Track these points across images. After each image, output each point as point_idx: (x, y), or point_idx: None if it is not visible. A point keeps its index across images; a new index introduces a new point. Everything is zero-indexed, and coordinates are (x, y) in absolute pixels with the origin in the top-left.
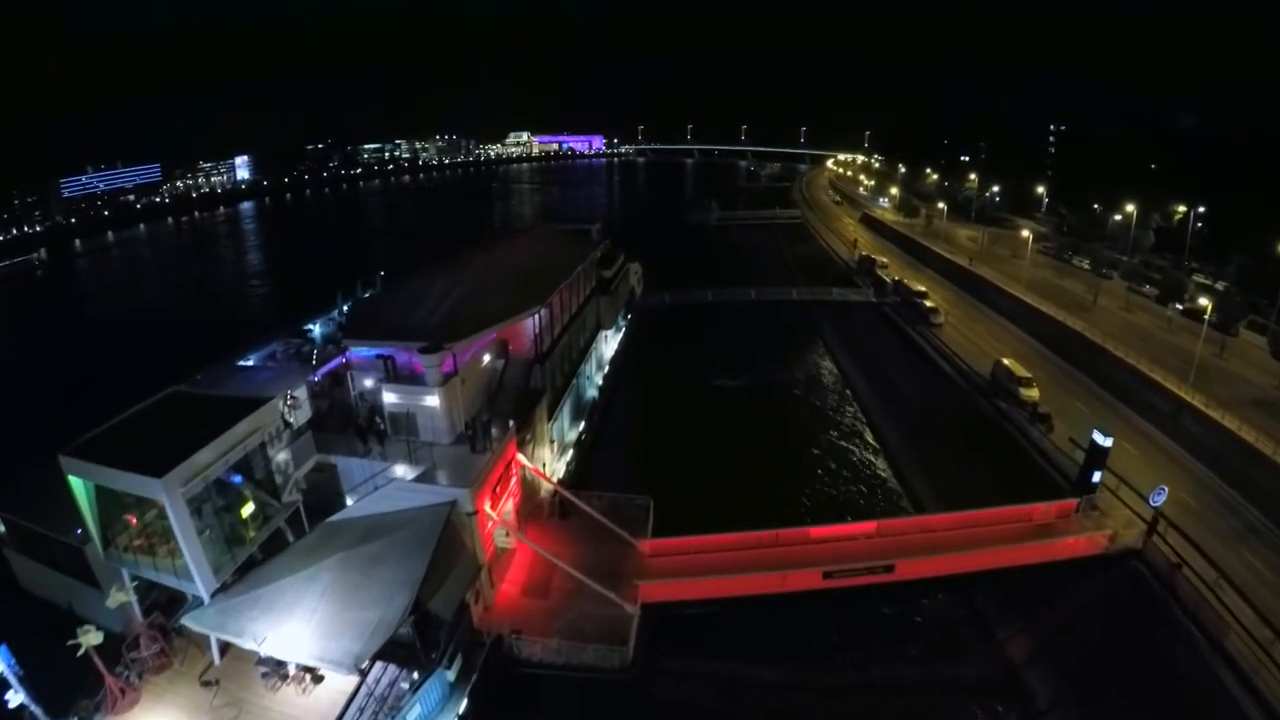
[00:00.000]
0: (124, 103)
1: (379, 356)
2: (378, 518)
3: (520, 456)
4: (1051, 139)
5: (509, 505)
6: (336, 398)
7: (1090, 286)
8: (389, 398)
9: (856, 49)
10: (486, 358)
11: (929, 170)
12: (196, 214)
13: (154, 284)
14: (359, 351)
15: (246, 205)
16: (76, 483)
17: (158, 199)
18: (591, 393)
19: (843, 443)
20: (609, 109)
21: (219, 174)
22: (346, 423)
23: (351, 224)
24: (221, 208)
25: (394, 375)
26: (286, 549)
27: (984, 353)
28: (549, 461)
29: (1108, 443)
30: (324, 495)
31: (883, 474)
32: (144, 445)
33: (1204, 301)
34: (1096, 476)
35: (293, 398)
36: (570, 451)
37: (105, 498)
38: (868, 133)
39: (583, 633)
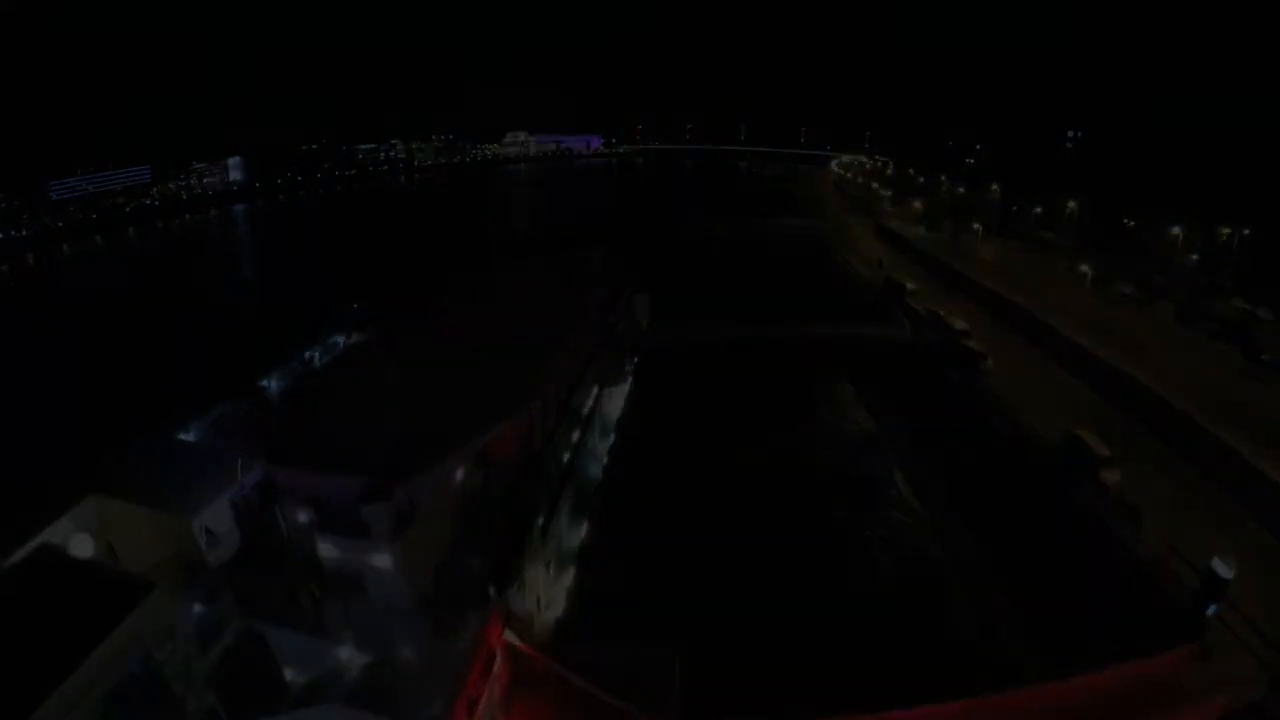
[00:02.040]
0: (117, 102)
1: (308, 499)
2: None
3: (507, 634)
4: (1069, 143)
5: (495, 690)
6: (269, 521)
7: (1140, 318)
8: (326, 551)
9: (857, 48)
10: (460, 474)
11: (943, 178)
12: (187, 216)
13: (135, 293)
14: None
15: (239, 207)
16: None
17: (148, 201)
18: (594, 470)
19: (893, 536)
20: (608, 109)
21: (211, 175)
22: (277, 562)
23: (343, 227)
24: (213, 210)
25: (330, 522)
26: None
27: (1039, 408)
28: (544, 589)
29: (1229, 574)
30: (251, 664)
31: (948, 583)
32: None
33: None
34: (1210, 609)
35: (209, 533)
36: (570, 571)
37: None
38: (868, 133)
39: None
